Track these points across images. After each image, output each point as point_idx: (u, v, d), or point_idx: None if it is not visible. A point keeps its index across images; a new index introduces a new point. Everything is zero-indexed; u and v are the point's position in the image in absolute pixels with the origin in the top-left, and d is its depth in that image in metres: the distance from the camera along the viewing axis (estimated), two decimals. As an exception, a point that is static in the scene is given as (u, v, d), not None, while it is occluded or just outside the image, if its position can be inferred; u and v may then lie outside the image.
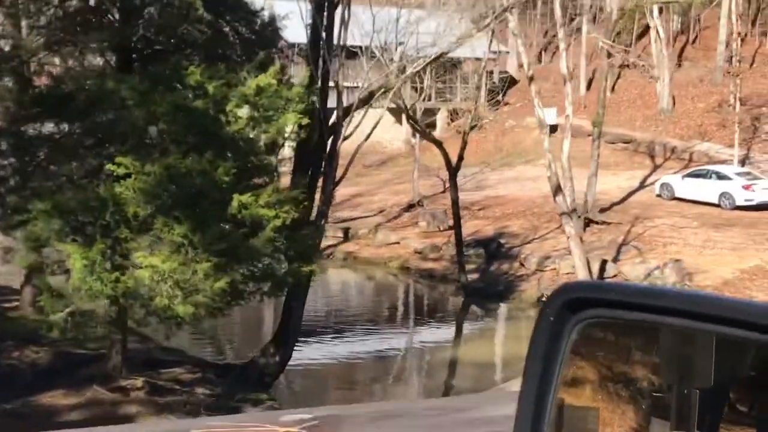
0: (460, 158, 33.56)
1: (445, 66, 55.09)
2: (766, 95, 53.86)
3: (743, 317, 1.95)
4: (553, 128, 54.52)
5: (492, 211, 42.04)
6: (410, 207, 42.99)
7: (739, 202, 39.66)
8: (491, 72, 61.73)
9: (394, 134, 57.96)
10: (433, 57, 24.37)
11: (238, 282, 16.67)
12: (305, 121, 17.59)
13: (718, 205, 40.43)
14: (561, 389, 2.19)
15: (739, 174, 40.77)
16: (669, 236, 36.26)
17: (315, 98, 18.83)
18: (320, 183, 21.22)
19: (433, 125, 58.01)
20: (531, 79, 29.88)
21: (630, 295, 2.19)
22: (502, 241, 36.77)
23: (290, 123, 17.55)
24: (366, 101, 21.01)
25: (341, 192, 49.01)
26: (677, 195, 41.87)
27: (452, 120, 57.44)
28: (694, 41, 65.66)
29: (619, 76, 61.69)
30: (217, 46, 18.33)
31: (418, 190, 43.69)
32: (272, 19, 19.43)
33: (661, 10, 55.99)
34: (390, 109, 56.84)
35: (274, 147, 17.95)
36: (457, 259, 32.75)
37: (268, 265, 17.79)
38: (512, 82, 64.06)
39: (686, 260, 33.31)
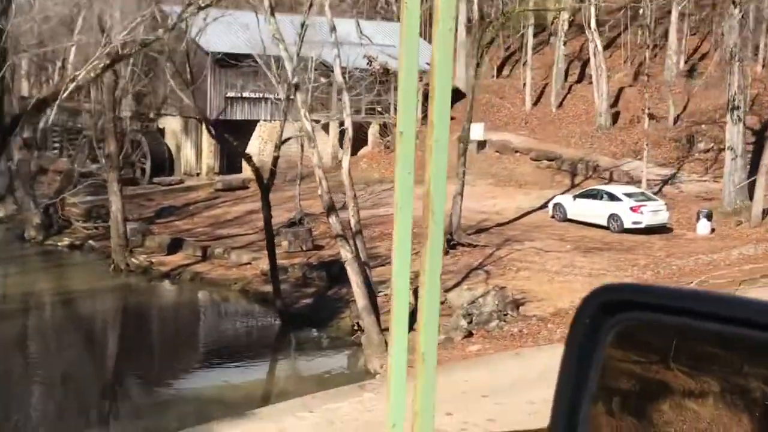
0: (272, 174, 31.13)
1: (379, 78, 52.75)
2: (708, 112, 50.64)
3: None
4: (481, 144, 52.15)
5: (370, 231, 39.52)
6: (291, 225, 40.65)
7: (627, 224, 36.87)
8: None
9: (322, 149, 55.71)
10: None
11: None
12: None
13: (607, 228, 37.65)
14: (595, 391, 2.21)
15: (629, 195, 37.86)
16: (529, 261, 33.60)
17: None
18: None
19: (365, 139, 55.76)
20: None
21: (667, 298, 2.20)
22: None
23: None
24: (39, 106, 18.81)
25: (238, 209, 47.25)
26: (569, 216, 39.10)
27: (382, 135, 55.02)
28: (654, 56, 62.51)
29: (569, 91, 58.92)
30: None
31: (299, 207, 41.29)
32: None
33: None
34: (315, 121, 54.90)
35: None
36: (272, 283, 30.39)
37: None
38: (460, 95, 61.50)
39: (531, 287, 30.71)
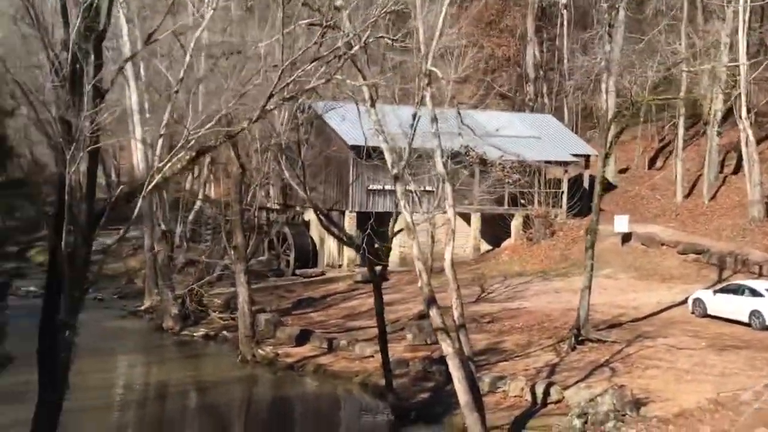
0: (384, 267, 30.79)
1: (527, 170, 52.19)
2: None
3: None
4: (627, 237, 50.59)
5: (501, 324, 38.74)
6: (421, 317, 40.15)
7: (770, 321, 34.78)
8: (578, 176, 58.21)
9: (466, 241, 55.28)
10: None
11: None
12: None
13: (749, 324, 35.61)
14: None
15: (774, 289, 35.76)
16: (658, 358, 32.04)
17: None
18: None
19: (508, 231, 54.99)
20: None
21: None
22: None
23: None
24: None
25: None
26: (709, 311, 37.23)
27: (525, 227, 54.13)
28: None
29: (723, 182, 56.78)
30: None
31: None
32: None
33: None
34: (459, 214, 54.56)
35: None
36: (385, 377, 29.88)
37: None
38: (609, 186, 60.15)
39: (657, 385, 29.18)
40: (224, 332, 41.23)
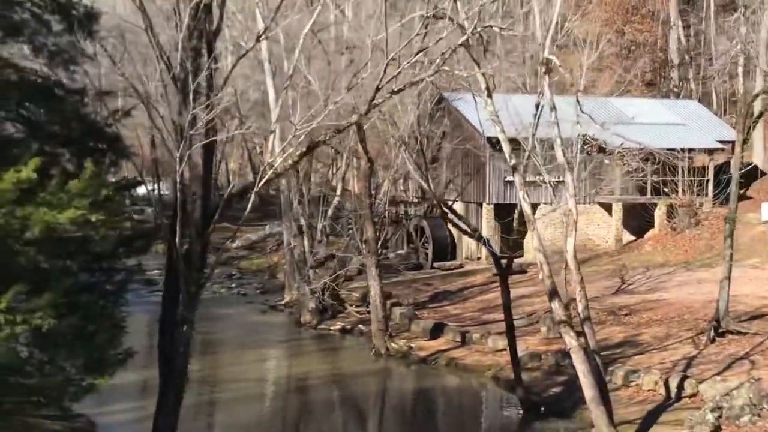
0: (510, 259, 30.34)
1: (656, 158, 50.90)
2: None
3: None
4: (773, 225, 48.67)
5: (639, 317, 37.78)
6: (557, 310, 39.53)
7: None
8: (725, 163, 56.24)
9: (606, 230, 54.24)
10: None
11: None
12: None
13: None
14: None
15: None
16: (803, 350, 30.65)
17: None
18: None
19: (651, 222, 53.62)
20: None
21: None
22: (606, 352, 32.80)
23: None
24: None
25: (512, 293, 46.69)
26: None
27: (669, 216, 52.66)
28: None
29: None
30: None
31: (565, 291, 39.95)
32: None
33: None
34: (600, 204, 53.56)
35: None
36: (513, 371, 29.50)
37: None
38: (757, 174, 58.07)
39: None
40: (360, 326, 41.54)
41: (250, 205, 19.26)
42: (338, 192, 52.98)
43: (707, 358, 31.09)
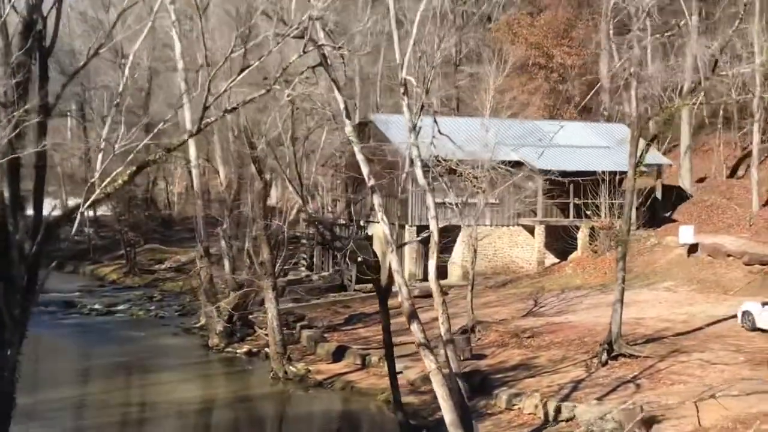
0: (390, 280, 30.08)
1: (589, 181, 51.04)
2: None
3: None
4: (693, 248, 48.67)
5: (540, 339, 37.55)
6: (463, 332, 39.33)
7: (820, 334, 32.82)
8: (652, 188, 56.37)
9: (530, 254, 54.09)
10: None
11: None
12: None
13: (799, 338, 33.73)
14: None
15: (824, 301, 33.74)
16: (688, 374, 30.54)
17: None
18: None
19: (575, 244, 53.53)
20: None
21: None
22: (499, 375, 32.71)
23: None
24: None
25: (427, 315, 46.45)
26: (758, 325, 35.36)
27: (591, 239, 52.58)
28: None
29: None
30: None
31: (471, 314, 39.87)
32: None
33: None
34: (523, 226, 53.49)
35: None
36: (393, 394, 29.21)
37: None
38: (684, 197, 58.28)
39: (681, 402, 27.71)
40: (267, 349, 41.06)
41: (75, 226, 18.88)
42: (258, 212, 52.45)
43: (594, 382, 30.90)
